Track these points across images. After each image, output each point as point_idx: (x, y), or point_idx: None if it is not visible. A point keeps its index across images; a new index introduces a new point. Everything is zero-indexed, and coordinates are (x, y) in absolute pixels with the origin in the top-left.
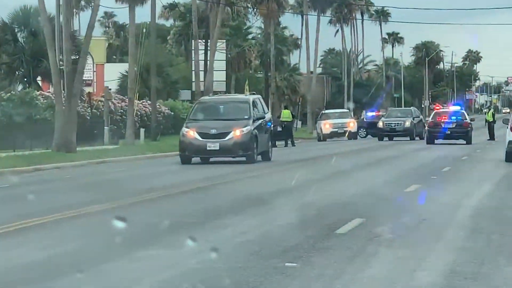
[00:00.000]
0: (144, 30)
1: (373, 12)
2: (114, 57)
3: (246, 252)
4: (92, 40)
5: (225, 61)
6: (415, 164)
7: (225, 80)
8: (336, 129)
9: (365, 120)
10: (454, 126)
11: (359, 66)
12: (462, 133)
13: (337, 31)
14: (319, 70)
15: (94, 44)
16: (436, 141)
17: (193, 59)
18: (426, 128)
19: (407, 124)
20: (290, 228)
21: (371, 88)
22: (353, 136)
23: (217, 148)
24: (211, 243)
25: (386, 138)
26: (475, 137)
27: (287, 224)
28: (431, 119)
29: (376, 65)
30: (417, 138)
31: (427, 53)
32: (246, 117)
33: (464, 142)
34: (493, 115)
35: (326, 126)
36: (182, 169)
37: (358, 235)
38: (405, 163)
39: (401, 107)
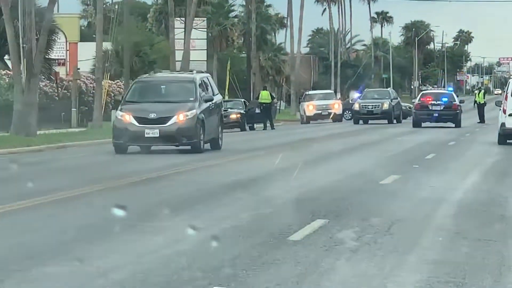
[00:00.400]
0: (117, 7)
1: None
2: (94, 36)
3: (168, 270)
4: (65, 17)
5: (205, 40)
6: (396, 150)
7: (205, 59)
8: (320, 111)
9: (350, 102)
10: (442, 108)
11: (347, 46)
12: (450, 115)
13: (324, 9)
14: (306, 50)
15: (66, 21)
16: (423, 124)
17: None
18: (413, 110)
19: (385, 106)
20: (235, 234)
21: (359, 69)
22: (338, 118)
23: (157, 135)
24: (130, 256)
25: (361, 122)
26: (465, 120)
27: (233, 227)
28: (418, 101)
29: (364, 45)
30: (394, 121)
31: (417, 33)
32: (191, 99)
33: (453, 125)
34: (484, 96)
35: (309, 108)
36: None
37: (315, 243)
38: (386, 148)
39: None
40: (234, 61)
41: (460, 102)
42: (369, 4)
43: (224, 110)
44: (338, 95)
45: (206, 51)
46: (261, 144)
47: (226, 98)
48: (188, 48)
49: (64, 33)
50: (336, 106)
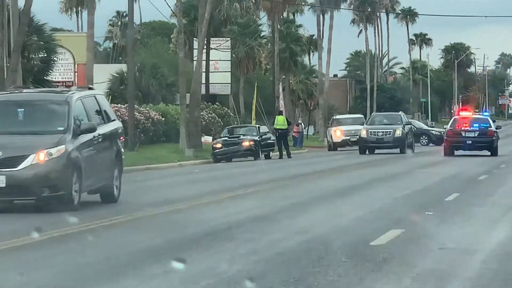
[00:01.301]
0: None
1: (399, 12)
2: (120, 58)
3: None
4: (72, 37)
5: (229, 61)
6: (413, 187)
7: (229, 82)
8: (348, 137)
9: None
10: (476, 135)
11: (384, 69)
12: (486, 143)
13: (360, 31)
14: (343, 73)
15: (74, 41)
16: (456, 152)
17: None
18: (445, 137)
19: (398, 133)
20: None
21: (396, 92)
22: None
23: (3, 184)
24: None
25: (368, 151)
26: (503, 147)
27: None
28: (450, 126)
29: (403, 68)
30: (408, 150)
31: (457, 55)
32: (60, 128)
33: (489, 153)
34: None
35: (336, 134)
36: None
37: None
38: (402, 185)
39: (428, 112)
40: (263, 84)
41: (496, 128)
42: (407, 25)
43: (236, 137)
44: None
45: (230, 73)
46: (230, 183)
47: (254, 123)
48: (199, 69)
49: (72, 54)
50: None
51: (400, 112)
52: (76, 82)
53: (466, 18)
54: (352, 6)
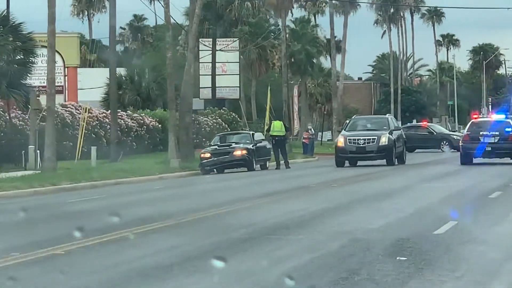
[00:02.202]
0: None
1: (425, 12)
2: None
3: None
4: (61, 38)
5: (238, 63)
6: (403, 210)
7: (238, 85)
8: (363, 145)
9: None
10: (496, 140)
11: (410, 72)
12: (507, 149)
13: (384, 32)
14: (367, 76)
15: (63, 42)
16: (474, 160)
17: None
18: (461, 143)
19: (383, 140)
20: None
21: (421, 95)
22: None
23: None
24: None
25: (347, 163)
26: None
27: None
28: (467, 131)
29: (429, 70)
30: (396, 161)
31: (485, 56)
32: None
33: (511, 160)
34: None
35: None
36: None
37: None
38: (385, 209)
39: (454, 116)
40: (277, 88)
41: None
42: (433, 26)
43: (227, 146)
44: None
45: (239, 76)
46: (175, 207)
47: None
48: (189, 70)
49: (61, 56)
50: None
51: (387, 115)
52: (66, 86)
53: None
54: (374, 6)
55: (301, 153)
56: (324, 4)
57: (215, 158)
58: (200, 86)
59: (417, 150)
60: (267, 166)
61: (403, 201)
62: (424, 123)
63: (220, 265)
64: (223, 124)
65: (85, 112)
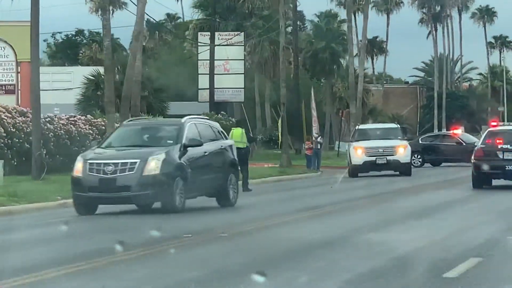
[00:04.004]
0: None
1: (476, 11)
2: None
3: None
4: (11, 27)
5: (243, 61)
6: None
7: (243, 87)
8: (373, 158)
9: (420, 142)
10: None
11: (457, 75)
12: None
13: (429, 32)
14: (412, 79)
15: (13, 32)
16: (494, 182)
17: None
18: (473, 160)
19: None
20: None
21: (469, 100)
22: (403, 169)
23: None
24: None
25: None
26: None
27: None
28: (481, 144)
29: (480, 73)
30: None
31: None
32: None
33: None
34: None
35: (357, 153)
36: None
37: None
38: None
39: (506, 123)
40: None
41: None
42: (484, 27)
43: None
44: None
45: (243, 75)
46: None
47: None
48: (133, 61)
49: (13, 49)
50: (402, 151)
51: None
52: (19, 85)
53: None
54: (416, 2)
55: (302, 165)
56: (363, 1)
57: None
58: (199, 87)
59: (443, 164)
60: None
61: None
62: (454, 131)
63: None
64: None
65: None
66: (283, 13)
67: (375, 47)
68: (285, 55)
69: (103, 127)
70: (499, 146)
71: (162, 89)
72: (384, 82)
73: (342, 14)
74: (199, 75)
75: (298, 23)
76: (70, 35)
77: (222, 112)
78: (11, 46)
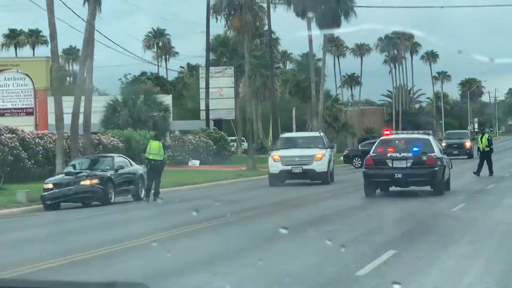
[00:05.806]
0: None
1: (424, 54)
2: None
3: None
4: (29, 61)
5: (233, 88)
6: None
7: (233, 107)
8: (289, 166)
9: (360, 147)
10: (409, 165)
11: (411, 99)
12: (423, 176)
13: (390, 70)
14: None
15: (31, 66)
16: (377, 191)
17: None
18: (363, 168)
19: (320, 159)
20: None
21: (417, 116)
22: (321, 177)
23: None
24: None
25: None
26: (460, 177)
27: None
28: (372, 152)
29: (428, 98)
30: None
31: (470, 87)
32: None
33: (431, 189)
34: (489, 141)
35: (274, 161)
36: None
37: None
38: None
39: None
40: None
41: (444, 152)
42: (430, 65)
43: (76, 173)
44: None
45: (234, 99)
46: None
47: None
48: (83, 80)
49: (30, 78)
50: (318, 160)
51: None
52: (37, 109)
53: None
54: (379, 48)
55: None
56: (345, 48)
57: (57, 190)
58: (201, 109)
59: None
60: (142, 196)
61: None
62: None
63: None
64: (209, 141)
65: None
66: (245, 50)
67: (353, 80)
68: (272, 85)
69: (97, 140)
70: (389, 155)
71: (167, 109)
72: (361, 104)
73: (319, 54)
74: (201, 99)
75: (286, 61)
76: None
77: (214, 127)
78: (29, 76)
